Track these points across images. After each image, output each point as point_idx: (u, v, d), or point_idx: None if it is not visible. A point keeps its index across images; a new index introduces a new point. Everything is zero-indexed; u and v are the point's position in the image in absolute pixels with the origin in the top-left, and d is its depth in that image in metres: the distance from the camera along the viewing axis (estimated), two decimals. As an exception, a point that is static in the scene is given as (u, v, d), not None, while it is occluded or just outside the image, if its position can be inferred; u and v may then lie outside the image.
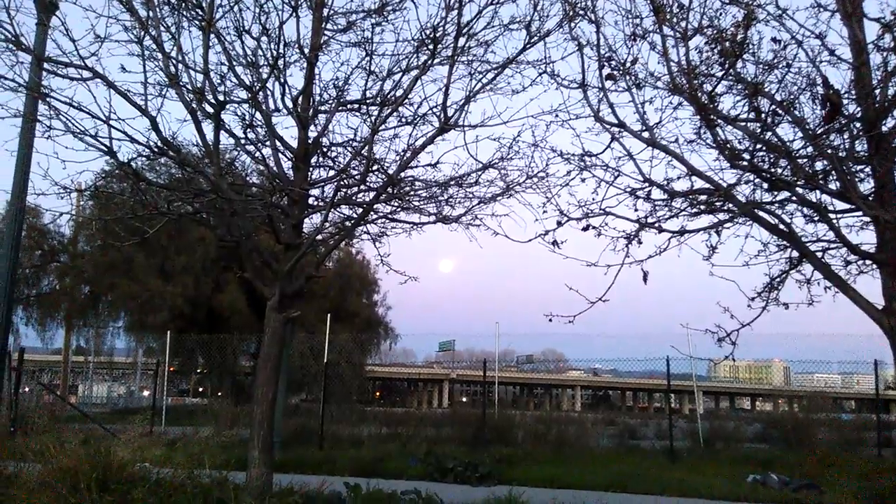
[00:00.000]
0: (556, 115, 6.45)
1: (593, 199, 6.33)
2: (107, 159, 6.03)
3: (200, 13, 6.38)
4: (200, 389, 59.66)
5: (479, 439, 16.54)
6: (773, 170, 5.81)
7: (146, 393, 46.21)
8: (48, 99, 5.75)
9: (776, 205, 6.03)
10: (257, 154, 7.59)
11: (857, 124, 5.51)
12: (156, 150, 6.23)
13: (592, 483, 11.24)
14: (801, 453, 14.90)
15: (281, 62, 6.77)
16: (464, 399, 77.24)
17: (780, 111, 5.68)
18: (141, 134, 6.12)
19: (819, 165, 5.73)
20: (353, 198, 7.56)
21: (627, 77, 5.94)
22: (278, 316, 6.91)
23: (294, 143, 7.17)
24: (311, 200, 7.54)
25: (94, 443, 7.28)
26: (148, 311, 29.20)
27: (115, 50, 6.15)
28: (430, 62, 6.37)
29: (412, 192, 7.48)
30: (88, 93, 5.79)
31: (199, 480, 6.94)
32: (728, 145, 5.75)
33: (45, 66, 5.86)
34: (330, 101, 7.31)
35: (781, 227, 5.70)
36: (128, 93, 5.91)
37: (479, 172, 7.21)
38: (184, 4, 6.31)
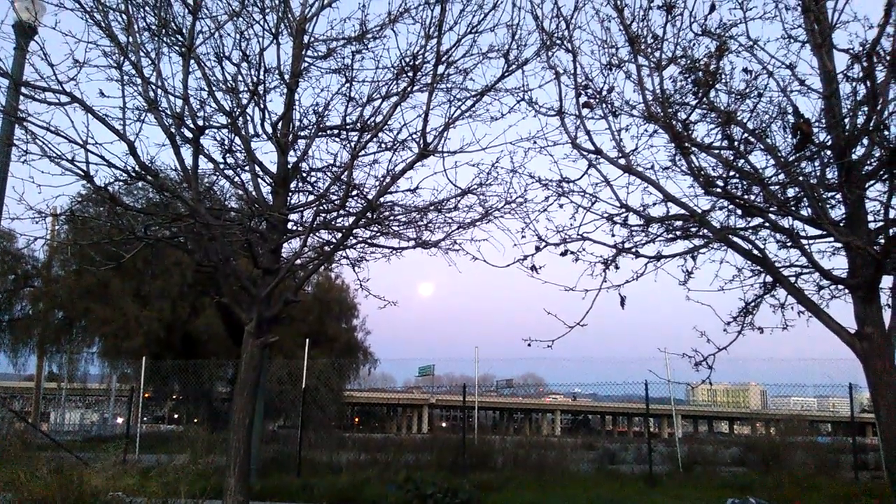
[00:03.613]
0: (534, 142, 6.51)
1: (571, 225, 6.38)
2: (83, 183, 5.96)
3: (180, 39, 6.39)
4: (176, 416, 58.65)
5: (458, 465, 16.41)
6: (746, 196, 5.92)
7: (120, 420, 45.39)
8: (25, 123, 5.70)
9: (750, 231, 6.13)
10: (236, 179, 7.56)
11: (828, 152, 5.64)
12: (133, 174, 6.18)
13: (572, 509, 11.20)
14: (779, 476, 14.96)
15: (261, 88, 6.78)
16: (444, 424, 76.69)
17: (752, 139, 5.80)
18: (118, 158, 6.07)
19: (791, 192, 5.84)
20: (333, 223, 7.55)
21: (604, 105, 6.03)
22: (256, 341, 6.85)
23: (273, 168, 7.17)
24: (290, 225, 7.52)
25: (67, 471, 7.14)
26: (123, 336, 28.69)
27: (94, 75, 6.13)
28: (409, 89, 6.41)
29: (391, 217, 7.49)
30: (66, 117, 5.76)
31: (173, 509, 6.84)
32: (702, 172, 5.85)
33: (23, 90, 5.82)
34: (310, 127, 7.32)
35: (755, 252, 5.78)
36: (106, 117, 5.87)
37: (458, 198, 7.23)
38: (164, 31, 6.32)
